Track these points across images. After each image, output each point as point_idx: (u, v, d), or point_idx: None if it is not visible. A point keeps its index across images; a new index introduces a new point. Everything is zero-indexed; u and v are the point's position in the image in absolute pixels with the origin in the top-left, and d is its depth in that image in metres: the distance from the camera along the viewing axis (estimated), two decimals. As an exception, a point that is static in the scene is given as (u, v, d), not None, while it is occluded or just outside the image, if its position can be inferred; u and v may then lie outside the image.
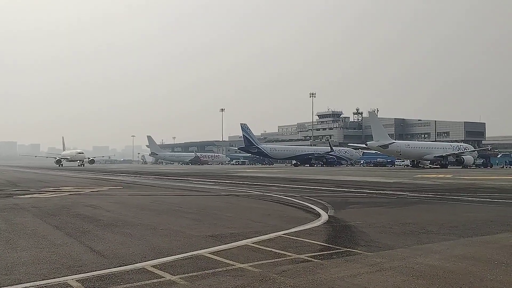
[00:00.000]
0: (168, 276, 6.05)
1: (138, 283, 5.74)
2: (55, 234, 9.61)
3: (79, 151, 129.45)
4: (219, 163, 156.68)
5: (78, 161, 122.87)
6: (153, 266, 6.59)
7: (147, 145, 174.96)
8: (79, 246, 8.26)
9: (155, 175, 47.76)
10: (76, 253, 7.58)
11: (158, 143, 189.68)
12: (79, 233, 9.62)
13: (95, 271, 6.35)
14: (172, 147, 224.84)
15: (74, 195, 20.45)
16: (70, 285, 5.70)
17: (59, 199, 18.26)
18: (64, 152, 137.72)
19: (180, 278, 5.98)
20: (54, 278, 6.01)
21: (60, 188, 25.38)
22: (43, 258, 7.22)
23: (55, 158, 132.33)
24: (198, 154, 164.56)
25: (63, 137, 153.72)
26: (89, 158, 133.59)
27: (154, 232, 9.79)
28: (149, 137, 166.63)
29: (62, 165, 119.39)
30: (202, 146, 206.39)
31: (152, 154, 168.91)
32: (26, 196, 19.76)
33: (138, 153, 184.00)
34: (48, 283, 5.76)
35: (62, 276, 6.08)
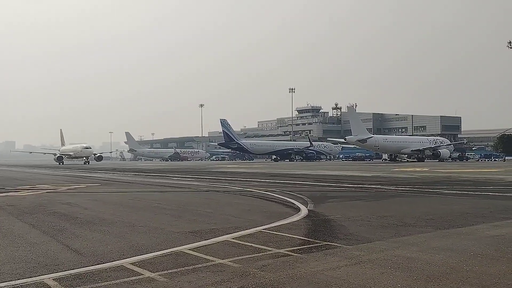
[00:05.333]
0: (147, 273, 5.99)
1: (116, 281, 5.66)
2: (31, 233, 9.43)
3: (85, 145, 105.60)
4: (199, 159, 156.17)
5: (84, 158, 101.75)
6: (131, 264, 6.52)
7: (125, 142, 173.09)
8: (56, 244, 8.12)
9: (134, 171, 47.30)
10: (52, 252, 7.45)
11: (136, 139, 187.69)
12: (56, 231, 9.46)
13: (73, 269, 6.25)
14: (151, 143, 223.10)
15: (51, 193, 20.09)
16: (47, 284, 5.59)
17: (35, 197, 17.92)
18: (64, 148, 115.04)
19: (159, 275, 5.93)
20: (31, 277, 5.88)
21: (36, 186, 24.92)
22: (19, 257, 7.07)
23: (55, 154, 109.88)
24: (178, 150, 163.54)
25: (61, 129, 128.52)
26: (95, 154, 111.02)
27: (133, 229, 9.68)
28: (127, 133, 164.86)
29: (63, 162, 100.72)
30: (182, 142, 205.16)
31: (130, 150, 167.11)
32: (1, 194, 19.31)
33: (116, 150, 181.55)
34: (24, 283, 5.64)
35: (39, 275, 5.96)
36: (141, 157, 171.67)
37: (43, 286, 5.54)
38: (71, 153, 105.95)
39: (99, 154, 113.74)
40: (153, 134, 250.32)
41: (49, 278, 5.82)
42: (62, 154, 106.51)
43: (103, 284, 5.56)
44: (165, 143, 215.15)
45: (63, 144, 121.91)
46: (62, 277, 5.87)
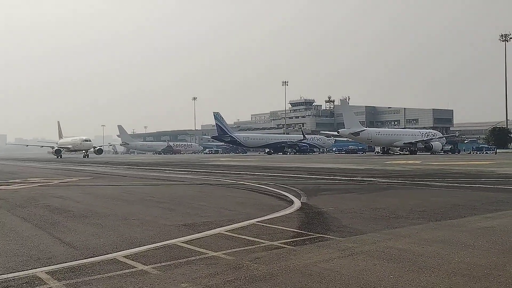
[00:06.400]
0: (140, 266, 5.99)
1: (109, 274, 5.65)
2: (23, 226, 9.38)
3: (85, 138, 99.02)
4: (192, 152, 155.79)
5: (84, 151, 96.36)
6: (124, 257, 6.50)
7: (118, 135, 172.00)
8: (48, 237, 8.09)
9: (127, 165, 47.14)
10: (45, 245, 7.42)
11: (129, 132, 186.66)
12: (48, 225, 9.42)
13: (65, 262, 6.22)
14: (144, 136, 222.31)
15: (43, 186, 19.98)
16: (39, 278, 5.56)
17: (27, 190, 17.81)
18: (62, 140, 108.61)
19: (153, 267, 5.92)
20: (23, 270, 5.86)
21: (28, 179, 24.77)
22: (11, 250, 7.03)
23: (52, 147, 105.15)
24: (171, 143, 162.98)
25: (58, 121, 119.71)
26: (95, 147, 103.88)
27: (126, 222, 9.66)
28: (119, 127, 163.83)
29: (61, 156, 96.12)
30: (175, 135, 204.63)
31: (123, 143, 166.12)
32: (-8, 188, 19.17)
33: (109, 143, 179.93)
34: (16, 276, 5.62)
35: (31, 269, 5.93)
36: (133, 150, 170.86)
37: (36, 279, 5.51)
38: (69, 146, 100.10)
39: (99, 147, 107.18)
40: (145, 127, 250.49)
41: (41, 272, 5.80)
42: (60, 147, 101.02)
43: (96, 277, 5.55)
44: (158, 136, 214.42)
45: (61, 137, 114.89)
46: (55, 270, 5.85)
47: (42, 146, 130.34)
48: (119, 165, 47.37)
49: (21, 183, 21.88)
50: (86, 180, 23.97)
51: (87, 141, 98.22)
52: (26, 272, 5.80)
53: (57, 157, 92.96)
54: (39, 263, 6.22)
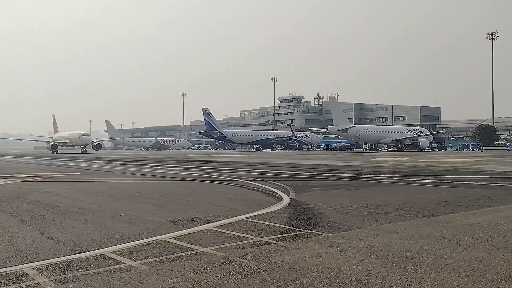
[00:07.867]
0: (128, 262, 5.97)
1: (98, 270, 5.63)
2: (10, 222, 9.29)
3: (83, 132, 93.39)
4: (181, 148, 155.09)
5: (81, 147, 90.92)
6: (113, 252, 6.48)
7: (105, 130, 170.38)
8: (35, 233, 8.02)
9: (114, 161, 46.82)
10: (32, 241, 7.36)
11: (117, 128, 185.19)
12: (35, 221, 9.34)
13: (53, 258, 6.19)
14: (132, 132, 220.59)
15: (29, 181, 19.79)
16: (27, 273, 5.52)
17: (13, 186, 17.62)
18: (58, 135, 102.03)
19: (141, 263, 5.91)
20: (9, 266, 5.81)
21: (14, 174, 24.49)
22: (-3, 246, 6.96)
23: (48, 142, 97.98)
24: (159, 139, 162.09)
25: (53, 114, 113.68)
26: (93, 142, 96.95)
27: (114, 218, 9.61)
28: (107, 122, 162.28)
29: (57, 151, 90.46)
30: (163, 131, 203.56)
31: (110, 139, 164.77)
32: (-23, 183, 18.92)
33: (96, 138, 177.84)
34: (3, 272, 5.57)
35: (18, 264, 5.89)
36: (121, 146, 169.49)
37: (23, 275, 5.47)
38: (66, 141, 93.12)
39: (97, 142, 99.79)
40: (133, 122, 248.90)
41: (28, 267, 5.75)
42: (56, 142, 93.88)
43: (84, 273, 5.52)
44: (146, 132, 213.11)
45: (56, 131, 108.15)
46: (42, 266, 5.81)
47: (37, 141, 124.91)
48: (106, 160, 47.04)
49: (7, 178, 21.63)
50: (73, 176, 23.78)
51: (85, 135, 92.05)
52: (13, 268, 5.75)
53: (53, 153, 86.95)
54: (26, 259, 6.17)
